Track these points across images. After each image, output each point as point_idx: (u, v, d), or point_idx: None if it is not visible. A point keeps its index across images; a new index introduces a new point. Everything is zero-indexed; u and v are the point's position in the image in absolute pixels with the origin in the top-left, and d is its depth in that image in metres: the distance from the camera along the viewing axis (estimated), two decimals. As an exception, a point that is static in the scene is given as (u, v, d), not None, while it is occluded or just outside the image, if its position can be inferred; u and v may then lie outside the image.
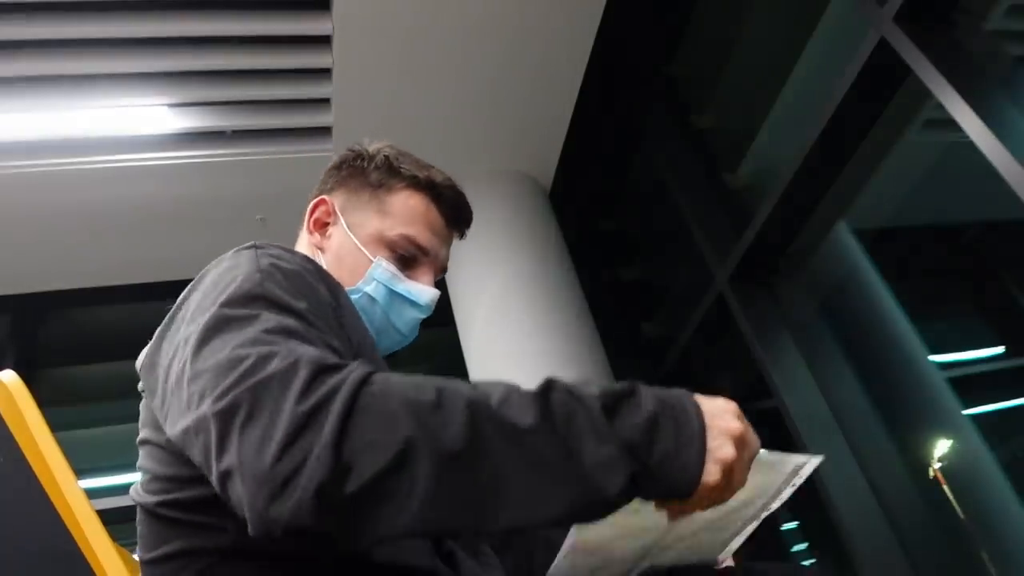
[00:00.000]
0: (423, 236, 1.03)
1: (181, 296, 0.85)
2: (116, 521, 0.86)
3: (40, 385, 3.58)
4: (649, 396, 0.66)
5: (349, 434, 0.59)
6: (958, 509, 2.14)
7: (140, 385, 0.87)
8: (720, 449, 0.66)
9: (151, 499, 0.79)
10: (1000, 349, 2.39)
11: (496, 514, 0.59)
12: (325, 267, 0.96)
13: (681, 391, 0.69)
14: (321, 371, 0.63)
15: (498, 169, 3.50)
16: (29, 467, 0.79)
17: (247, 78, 2.89)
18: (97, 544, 0.77)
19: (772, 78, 2.68)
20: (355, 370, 0.63)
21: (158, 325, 0.84)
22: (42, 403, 0.86)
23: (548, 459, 0.61)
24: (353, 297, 0.97)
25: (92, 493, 0.82)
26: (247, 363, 0.64)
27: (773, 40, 2.79)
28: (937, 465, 2.19)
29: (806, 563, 2.97)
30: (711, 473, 0.65)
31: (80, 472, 0.83)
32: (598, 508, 0.62)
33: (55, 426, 0.85)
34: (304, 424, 0.59)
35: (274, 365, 0.63)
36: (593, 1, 2.90)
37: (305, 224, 1.07)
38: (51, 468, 0.80)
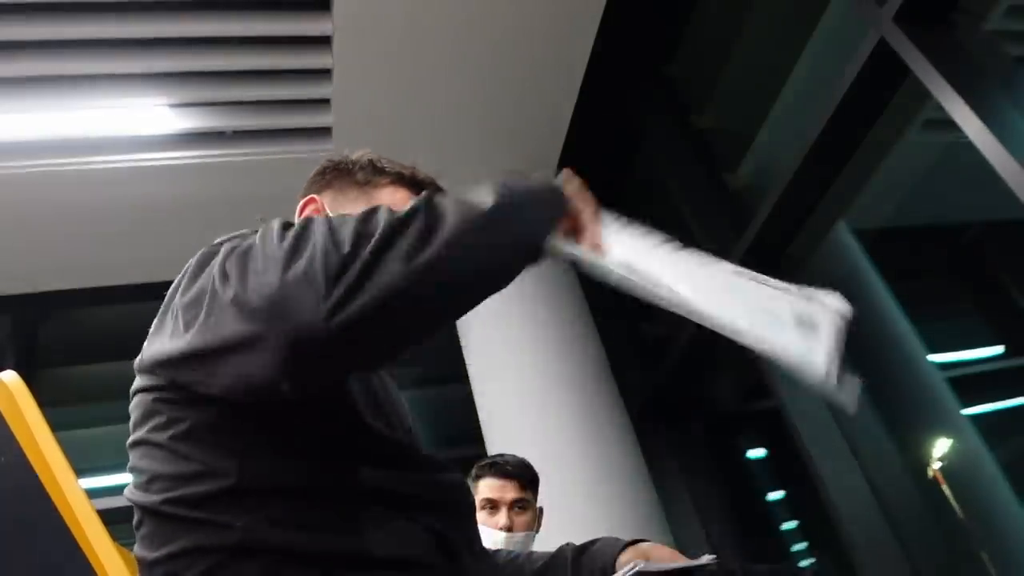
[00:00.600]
0: None
1: (169, 292, 0.88)
2: (116, 521, 0.86)
3: (40, 385, 3.58)
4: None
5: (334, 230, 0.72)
6: (958, 509, 2.14)
7: (134, 386, 0.87)
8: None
9: (155, 498, 0.79)
10: (1000, 349, 2.39)
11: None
12: None
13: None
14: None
15: (498, 169, 3.48)
16: (29, 467, 0.79)
17: (247, 78, 2.89)
18: (97, 544, 0.77)
19: (772, 78, 2.68)
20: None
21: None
22: (42, 403, 0.86)
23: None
24: None
25: (92, 493, 0.82)
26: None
27: (773, 40, 2.79)
28: (937, 465, 2.19)
29: (806, 563, 2.97)
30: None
31: (80, 472, 0.83)
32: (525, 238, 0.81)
33: (55, 426, 0.85)
34: (295, 246, 0.71)
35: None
36: (593, 1, 2.90)
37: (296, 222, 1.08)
38: (51, 468, 0.80)
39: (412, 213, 0.72)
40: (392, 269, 0.68)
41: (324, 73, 2.91)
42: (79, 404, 3.80)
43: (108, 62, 2.70)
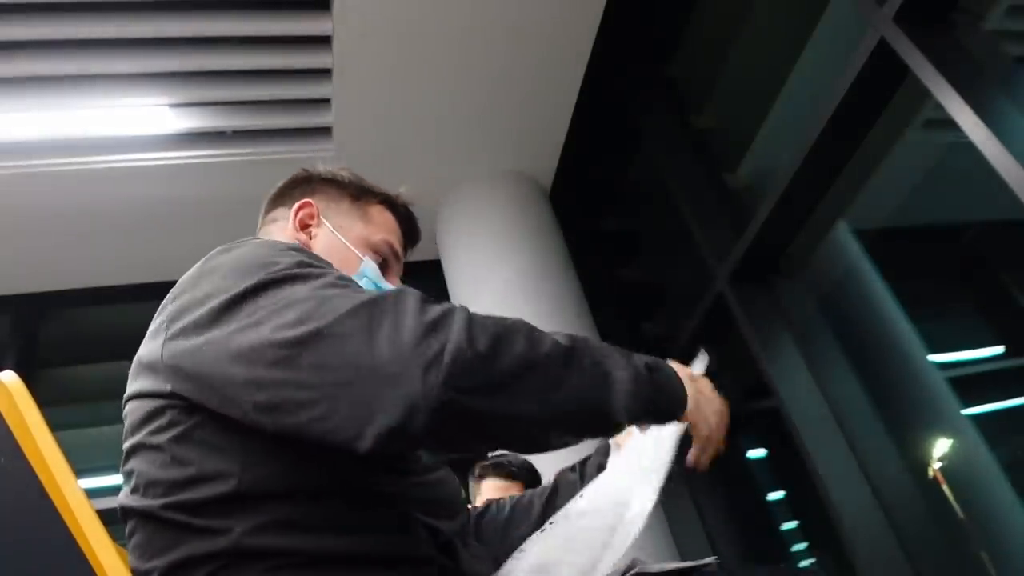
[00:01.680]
0: (397, 245, 1.14)
1: (175, 292, 0.87)
2: (116, 521, 0.86)
3: (40, 385, 3.58)
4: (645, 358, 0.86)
5: (475, 326, 0.72)
6: (958, 509, 2.14)
7: (134, 388, 0.86)
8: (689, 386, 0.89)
9: (154, 502, 0.79)
10: (1000, 349, 2.39)
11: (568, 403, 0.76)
12: None
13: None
14: (424, 297, 0.75)
15: (498, 169, 3.50)
16: (29, 467, 0.79)
17: (247, 78, 2.90)
18: (97, 544, 0.77)
19: (772, 78, 2.68)
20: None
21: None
22: (42, 403, 0.86)
23: (597, 371, 0.79)
24: None
25: (92, 493, 0.82)
26: (345, 291, 0.75)
27: (773, 40, 2.79)
28: (937, 465, 2.19)
29: (806, 563, 2.97)
30: (691, 398, 0.88)
31: (80, 472, 0.82)
32: (634, 408, 0.81)
33: (55, 426, 0.85)
34: (433, 326, 0.70)
35: (376, 293, 0.75)
36: (593, 1, 2.90)
37: (291, 224, 1.11)
38: (51, 468, 0.80)
39: (560, 351, 0.76)
40: (517, 398, 0.72)
41: (324, 73, 2.91)
42: (79, 404, 3.80)
43: (108, 62, 2.70)
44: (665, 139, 3.16)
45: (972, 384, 2.26)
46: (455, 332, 0.70)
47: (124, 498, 0.84)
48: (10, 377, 0.87)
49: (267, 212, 1.17)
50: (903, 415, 2.34)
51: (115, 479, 3.40)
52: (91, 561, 0.76)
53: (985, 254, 2.37)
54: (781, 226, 2.43)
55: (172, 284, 0.91)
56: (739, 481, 3.16)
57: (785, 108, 2.65)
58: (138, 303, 3.73)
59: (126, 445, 0.86)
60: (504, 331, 0.74)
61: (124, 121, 2.96)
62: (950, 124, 1.73)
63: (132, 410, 0.87)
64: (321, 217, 1.11)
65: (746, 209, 2.68)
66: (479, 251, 3.31)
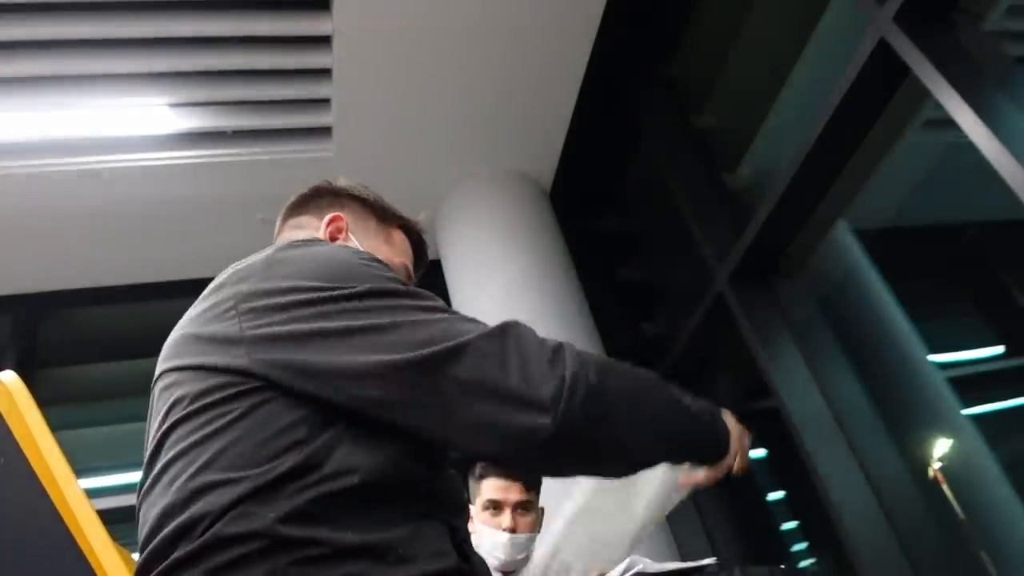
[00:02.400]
0: (411, 268, 1.19)
1: (238, 276, 0.90)
2: (116, 521, 0.86)
3: (40, 385, 3.58)
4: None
5: (584, 359, 0.82)
6: (958, 509, 2.14)
7: (185, 361, 0.86)
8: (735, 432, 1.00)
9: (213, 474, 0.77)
10: (1000, 349, 2.39)
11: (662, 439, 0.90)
12: None
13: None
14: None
15: (498, 169, 3.50)
16: (29, 467, 0.79)
17: (247, 78, 2.90)
18: (97, 544, 0.77)
19: (772, 78, 2.68)
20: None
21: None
22: (42, 403, 0.86)
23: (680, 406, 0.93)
24: None
25: (92, 493, 0.82)
26: (458, 315, 0.84)
27: (773, 40, 2.79)
28: (937, 465, 2.19)
29: (806, 563, 2.97)
30: (733, 447, 0.99)
31: (80, 472, 0.82)
32: (700, 445, 0.96)
33: (55, 426, 0.85)
34: (553, 358, 0.81)
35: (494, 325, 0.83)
36: (593, 1, 2.90)
37: (322, 232, 1.13)
38: (51, 468, 0.80)
39: (653, 383, 0.89)
40: (625, 426, 0.84)
41: (324, 73, 2.91)
42: (79, 404, 3.80)
43: (108, 62, 2.70)
44: (665, 139, 3.16)
45: (972, 384, 2.26)
46: (571, 365, 0.80)
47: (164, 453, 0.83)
48: (10, 377, 0.87)
49: (290, 217, 1.20)
50: (903, 415, 2.34)
51: (115, 479, 3.40)
52: (91, 561, 0.76)
53: (985, 254, 2.37)
54: (781, 226, 2.43)
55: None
56: (739, 481, 3.15)
57: (785, 108, 2.65)
58: (138, 303, 3.73)
59: (172, 411, 0.84)
60: (605, 364, 0.84)
61: (124, 121, 2.96)
62: (950, 124, 1.73)
63: (184, 380, 0.86)
64: (349, 233, 1.13)
65: (746, 209, 2.68)
66: (479, 251, 3.31)
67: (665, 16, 3.05)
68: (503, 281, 3.16)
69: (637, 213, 3.76)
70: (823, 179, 2.29)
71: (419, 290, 0.87)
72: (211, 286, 0.94)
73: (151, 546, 0.77)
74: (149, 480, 0.84)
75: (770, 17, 2.81)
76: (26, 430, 0.82)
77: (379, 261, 0.93)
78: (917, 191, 2.39)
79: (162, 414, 0.85)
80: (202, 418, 0.81)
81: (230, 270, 0.95)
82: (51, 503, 0.77)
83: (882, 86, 2.02)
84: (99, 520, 0.79)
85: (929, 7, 1.83)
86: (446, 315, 0.83)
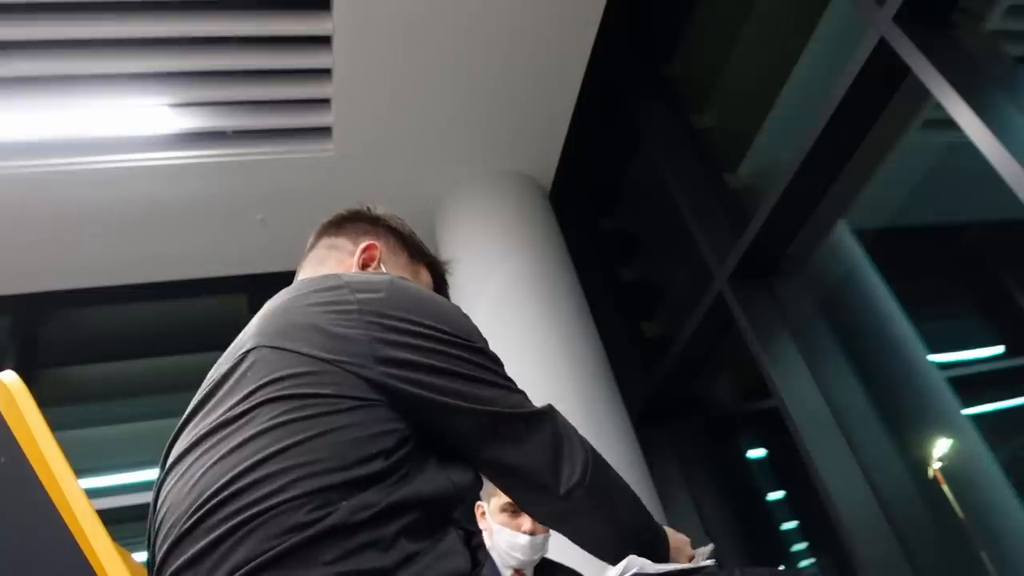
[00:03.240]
0: None
1: (357, 287, 0.94)
2: (116, 521, 0.86)
3: (40, 385, 3.58)
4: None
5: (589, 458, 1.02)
6: (958, 509, 2.14)
7: (285, 344, 0.88)
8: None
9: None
10: (1000, 349, 2.39)
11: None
12: None
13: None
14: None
15: (498, 169, 3.50)
16: (29, 467, 0.79)
17: (247, 78, 2.90)
18: (97, 544, 0.77)
19: (772, 78, 2.68)
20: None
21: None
22: (42, 403, 0.86)
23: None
24: None
25: (92, 493, 0.82)
26: (538, 410, 1.00)
27: (773, 40, 2.79)
28: (937, 465, 2.19)
29: (806, 563, 2.97)
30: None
31: (80, 472, 0.82)
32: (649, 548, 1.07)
33: (55, 426, 0.85)
34: (581, 451, 1.02)
35: (557, 418, 1.03)
36: (593, 1, 2.90)
37: (356, 260, 1.17)
38: (51, 468, 0.80)
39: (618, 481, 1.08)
40: (612, 511, 1.04)
41: (324, 73, 2.91)
42: (79, 404, 3.80)
43: (108, 62, 2.70)
44: (665, 139, 3.16)
45: (972, 384, 2.26)
46: (582, 456, 1.01)
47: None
48: (10, 377, 0.87)
49: (325, 235, 1.21)
50: (903, 415, 2.34)
51: (115, 479, 3.40)
52: (91, 561, 0.76)
53: (985, 254, 2.37)
54: (781, 226, 2.43)
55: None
56: (739, 481, 3.16)
57: (785, 108, 2.65)
58: (138, 303, 3.73)
59: (267, 387, 0.86)
60: (593, 456, 1.03)
61: (124, 121, 2.96)
62: (950, 124, 1.73)
63: (274, 359, 0.88)
64: (380, 263, 1.17)
65: (746, 209, 2.68)
66: (479, 251, 3.31)
67: (665, 16, 3.06)
68: (503, 281, 3.16)
69: (637, 213, 3.76)
70: (823, 179, 2.29)
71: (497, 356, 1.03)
72: (316, 282, 0.97)
73: (207, 494, 0.79)
74: (213, 441, 0.85)
75: (770, 17, 2.81)
76: (26, 430, 0.82)
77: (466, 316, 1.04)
78: (917, 191, 2.39)
79: (255, 384, 0.86)
80: (302, 403, 0.84)
81: (336, 273, 1.02)
82: (51, 503, 0.77)
83: (882, 86, 2.02)
84: (99, 520, 0.79)
85: (929, 7, 1.83)
86: (511, 383, 1.01)
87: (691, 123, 3.12)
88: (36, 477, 0.78)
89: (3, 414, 0.82)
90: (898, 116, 2.13)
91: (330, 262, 1.18)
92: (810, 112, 2.22)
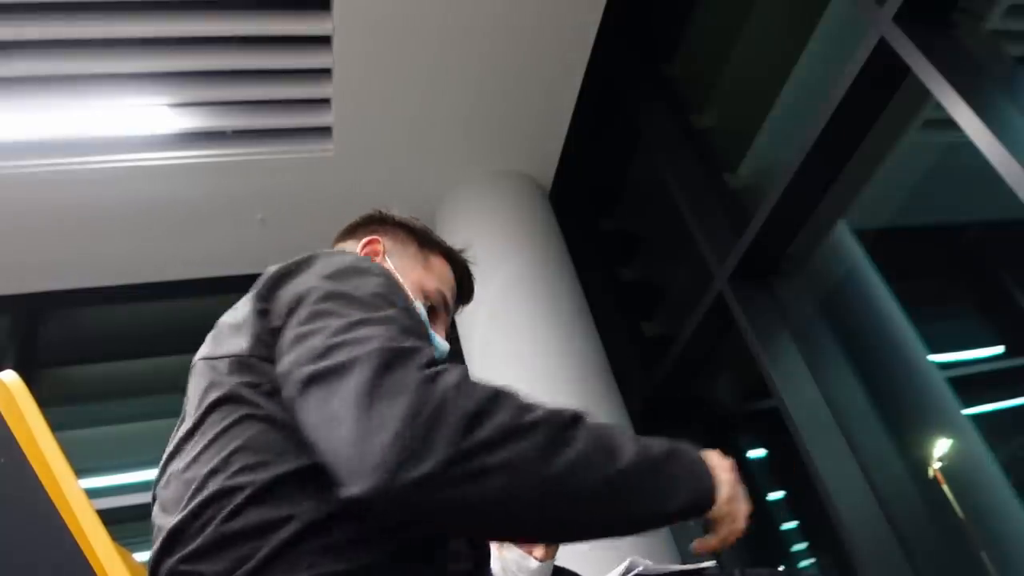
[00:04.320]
0: (449, 298, 1.20)
1: (281, 271, 0.93)
2: (116, 521, 0.86)
3: (40, 385, 3.58)
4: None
5: (471, 397, 0.71)
6: (958, 509, 2.14)
7: (229, 351, 0.88)
8: (722, 475, 0.89)
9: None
10: (1000, 349, 2.39)
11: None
12: None
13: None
14: (436, 361, 0.76)
15: (498, 169, 3.50)
16: (29, 467, 0.79)
17: (247, 78, 2.90)
18: (97, 544, 0.77)
19: (772, 78, 2.68)
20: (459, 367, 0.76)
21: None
22: (42, 403, 0.86)
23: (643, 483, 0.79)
24: None
25: (92, 493, 0.82)
26: (377, 339, 0.75)
27: (773, 40, 2.79)
28: (937, 465, 2.19)
29: (806, 563, 2.97)
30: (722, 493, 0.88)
31: (80, 472, 0.82)
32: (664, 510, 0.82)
33: (55, 426, 0.85)
34: (428, 392, 0.70)
35: (401, 343, 0.75)
36: (593, 1, 2.90)
37: (359, 253, 1.15)
38: (51, 468, 0.80)
39: (573, 424, 0.75)
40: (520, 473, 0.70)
41: (324, 73, 2.91)
42: (79, 404, 3.80)
43: (108, 62, 2.70)
44: (665, 139, 3.16)
45: (972, 384, 2.26)
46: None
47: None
48: (10, 377, 0.87)
49: (336, 243, 1.23)
50: (903, 415, 2.34)
51: (115, 479, 3.40)
52: (91, 561, 0.76)
53: (985, 254, 2.37)
54: (781, 226, 2.43)
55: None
56: (739, 481, 3.15)
57: (785, 108, 2.64)
58: (138, 303, 3.73)
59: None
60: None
61: (124, 121, 2.96)
62: (950, 124, 1.73)
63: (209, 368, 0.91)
64: (385, 255, 1.16)
65: (746, 209, 2.68)
66: (479, 251, 3.29)
67: (665, 16, 3.06)
68: (503, 281, 3.15)
69: (637, 213, 3.76)
70: (823, 179, 2.29)
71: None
72: None
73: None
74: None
75: (770, 17, 2.81)
76: (26, 430, 0.82)
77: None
78: (917, 191, 2.39)
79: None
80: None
81: None
82: (51, 503, 0.77)
83: (882, 86, 2.01)
84: (99, 520, 0.79)
85: (929, 7, 1.83)
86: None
87: (691, 123, 3.12)
88: (36, 477, 0.78)
89: (3, 414, 0.82)
90: (898, 116, 2.13)
91: None
92: (810, 112, 2.22)
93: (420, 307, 1.10)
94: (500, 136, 3.38)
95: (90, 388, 3.88)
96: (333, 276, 0.88)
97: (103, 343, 3.85)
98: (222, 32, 2.70)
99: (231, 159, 3.13)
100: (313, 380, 0.74)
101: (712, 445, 0.97)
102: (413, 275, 1.14)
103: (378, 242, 1.17)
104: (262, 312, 0.88)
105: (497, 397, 0.72)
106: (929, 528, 2.13)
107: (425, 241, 1.21)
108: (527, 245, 3.29)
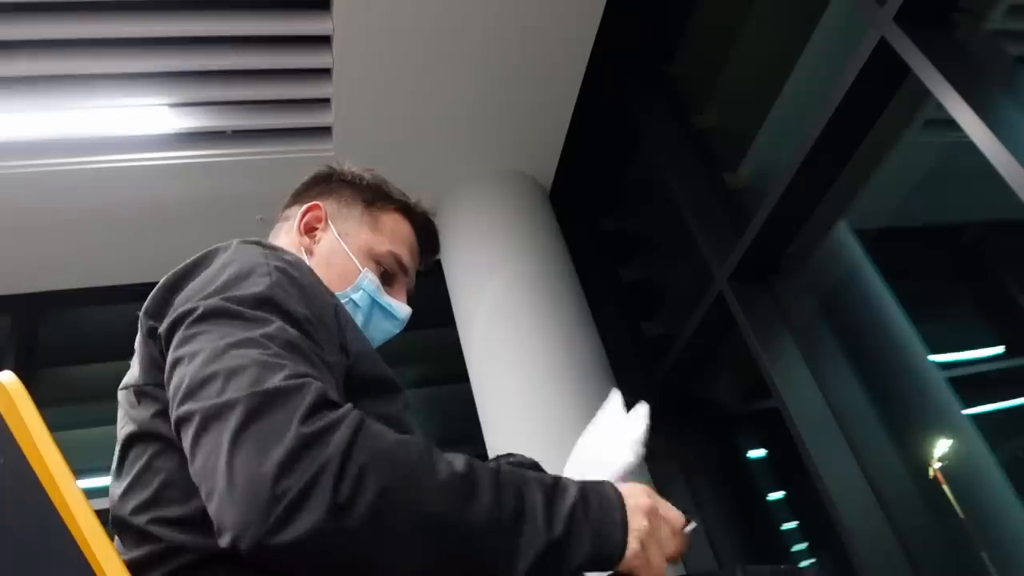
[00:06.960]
0: (406, 257, 1.12)
1: (170, 280, 0.91)
2: (116, 521, 0.86)
3: (40, 385, 3.58)
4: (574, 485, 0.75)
5: (353, 458, 0.63)
6: (958, 509, 2.14)
7: (131, 381, 0.88)
8: (635, 521, 0.74)
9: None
10: (1000, 349, 2.39)
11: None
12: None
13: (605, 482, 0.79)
14: (326, 402, 0.67)
15: (498, 169, 3.50)
16: (29, 467, 0.79)
17: (247, 78, 2.89)
18: (97, 544, 0.77)
19: (772, 78, 2.68)
20: (353, 411, 0.68)
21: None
22: (42, 403, 0.86)
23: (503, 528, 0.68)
24: None
25: (92, 493, 0.82)
26: (251, 370, 0.69)
27: (773, 40, 2.78)
28: (937, 465, 2.19)
29: (806, 563, 2.97)
30: (632, 545, 0.73)
31: (80, 472, 0.82)
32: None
33: (55, 426, 0.84)
34: (308, 444, 0.63)
35: (279, 379, 0.67)
36: (593, 1, 2.90)
37: (296, 226, 1.10)
38: (50, 469, 0.80)
39: (457, 475, 0.68)
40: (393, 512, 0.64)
41: (324, 73, 2.91)
42: (79, 404, 3.80)
43: (108, 62, 2.70)
44: (665, 139, 3.16)
45: (972, 384, 2.25)
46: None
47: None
48: (10, 377, 0.87)
49: (285, 207, 1.18)
50: (903, 415, 2.34)
51: (115, 479, 3.40)
52: (91, 561, 0.76)
53: (985, 254, 2.37)
54: (781, 226, 2.43)
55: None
56: (739, 481, 3.16)
57: (785, 108, 2.64)
58: (138, 303, 3.73)
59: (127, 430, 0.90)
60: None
61: (124, 121, 2.96)
62: (950, 124, 1.73)
63: (130, 404, 0.93)
64: (329, 221, 1.10)
65: (746, 209, 2.68)
66: (479, 251, 3.31)
67: (665, 16, 3.05)
68: (503, 281, 3.15)
69: (637, 213, 3.76)
70: (823, 179, 2.29)
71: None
72: None
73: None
74: None
75: (770, 17, 2.81)
76: (26, 430, 0.82)
77: (286, 275, 0.84)
78: (917, 191, 2.39)
79: None
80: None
81: None
82: (51, 503, 0.77)
83: (882, 86, 2.01)
84: (99, 520, 0.79)
85: (929, 7, 1.83)
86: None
87: (691, 123, 3.12)
88: (36, 477, 0.78)
89: (2, 415, 0.82)
90: (898, 116, 2.13)
91: (280, 235, 1.13)
92: (810, 112, 2.21)
93: (369, 275, 1.06)
94: (500, 136, 3.38)
95: (90, 388, 3.87)
96: (217, 288, 0.83)
97: (103, 343, 3.85)
98: (222, 32, 2.70)
99: (231, 159, 3.13)
100: (184, 421, 0.71)
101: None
102: (360, 239, 1.08)
103: (319, 208, 1.11)
104: (151, 332, 0.86)
105: (376, 456, 0.65)
106: (929, 528, 2.13)
107: (374, 197, 1.13)
108: (527, 245, 3.29)
